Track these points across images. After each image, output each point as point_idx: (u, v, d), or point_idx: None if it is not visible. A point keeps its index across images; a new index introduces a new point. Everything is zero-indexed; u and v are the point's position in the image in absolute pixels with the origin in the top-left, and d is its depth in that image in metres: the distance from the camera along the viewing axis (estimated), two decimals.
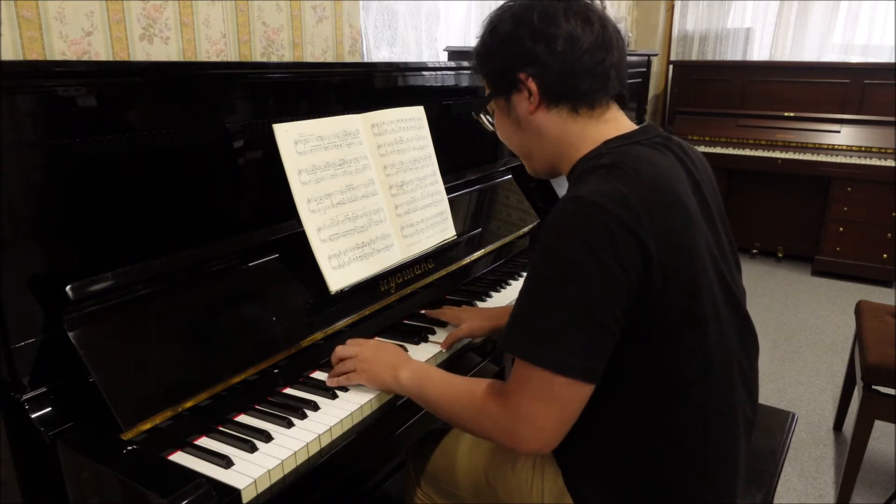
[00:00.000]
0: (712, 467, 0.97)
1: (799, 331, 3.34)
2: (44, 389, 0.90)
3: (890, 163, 3.79)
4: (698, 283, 0.89)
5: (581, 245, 0.84)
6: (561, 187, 2.13)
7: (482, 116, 1.16)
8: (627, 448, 0.96)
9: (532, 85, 0.99)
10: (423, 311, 1.43)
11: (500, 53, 1.01)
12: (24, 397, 0.88)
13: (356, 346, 1.16)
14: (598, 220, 0.83)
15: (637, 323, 0.87)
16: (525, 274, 1.70)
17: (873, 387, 1.92)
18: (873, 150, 3.91)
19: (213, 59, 1.64)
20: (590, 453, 1.00)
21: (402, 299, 1.41)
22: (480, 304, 1.53)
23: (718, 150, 4.19)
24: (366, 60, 2.21)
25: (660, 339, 0.89)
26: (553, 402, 0.87)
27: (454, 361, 1.30)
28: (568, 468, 1.05)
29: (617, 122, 1.01)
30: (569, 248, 0.85)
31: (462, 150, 1.79)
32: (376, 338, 1.30)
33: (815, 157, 3.99)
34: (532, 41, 0.96)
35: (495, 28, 1.01)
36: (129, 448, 0.86)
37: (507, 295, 1.58)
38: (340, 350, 1.16)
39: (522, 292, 0.91)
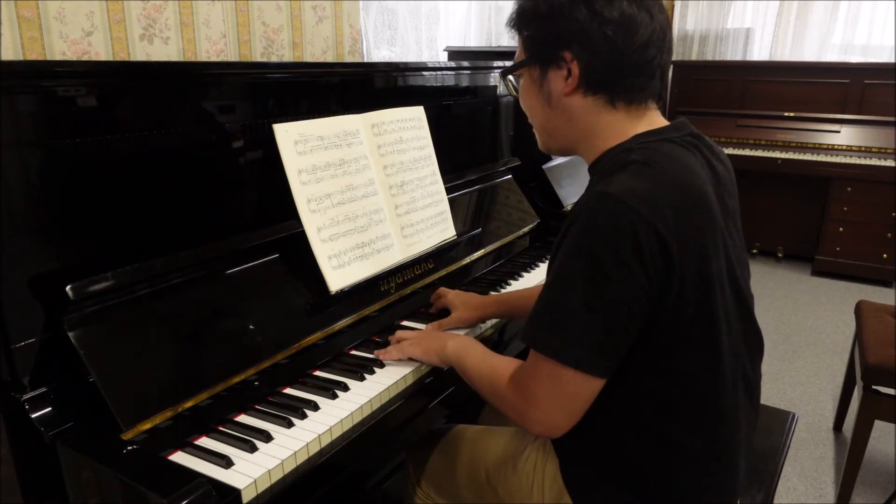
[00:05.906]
0: (713, 468, 0.97)
1: (799, 331, 3.34)
2: (44, 389, 0.90)
3: (890, 163, 3.79)
4: (712, 289, 0.88)
5: (606, 244, 0.82)
6: (562, 187, 2.13)
7: (508, 79, 1.07)
8: (629, 445, 0.96)
9: (575, 67, 0.92)
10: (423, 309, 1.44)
11: (549, 21, 0.92)
12: (24, 397, 0.88)
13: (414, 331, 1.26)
14: (625, 219, 0.81)
15: (652, 324, 0.87)
16: (524, 274, 1.71)
17: (873, 387, 1.92)
18: (873, 150, 3.91)
19: (213, 59, 1.64)
20: (591, 448, 1.00)
21: (402, 299, 1.41)
22: None
23: None
24: (366, 60, 2.21)
25: (671, 342, 0.89)
26: (561, 392, 0.89)
27: None
28: (569, 463, 1.05)
29: (650, 119, 0.97)
30: (594, 246, 0.83)
31: (462, 150, 1.79)
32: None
33: (815, 157, 4.00)
34: (588, 20, 0.89)
35: None
36: (130, 448, 0.86)
37: None
38: (400, 333, 1.25)
39: (546, 284, 0.91)
